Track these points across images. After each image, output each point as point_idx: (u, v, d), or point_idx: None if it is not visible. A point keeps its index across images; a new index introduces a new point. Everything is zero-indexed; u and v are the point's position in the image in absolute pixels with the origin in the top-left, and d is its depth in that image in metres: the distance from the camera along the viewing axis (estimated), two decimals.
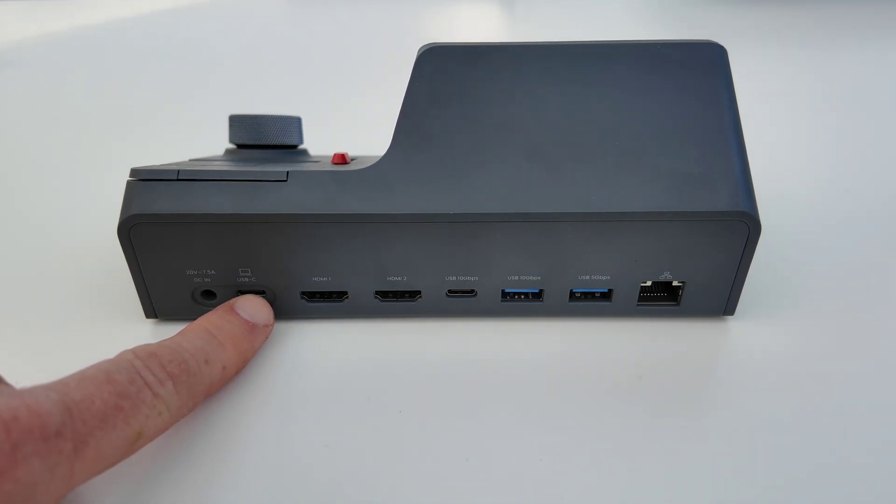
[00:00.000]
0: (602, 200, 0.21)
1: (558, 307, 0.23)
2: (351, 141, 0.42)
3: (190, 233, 0.21)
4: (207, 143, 0.41)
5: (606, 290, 0.23)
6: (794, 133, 0.49)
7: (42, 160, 0.45)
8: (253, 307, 0.21)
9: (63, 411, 0.13)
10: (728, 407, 0.19)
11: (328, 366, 0.21)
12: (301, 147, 0.30)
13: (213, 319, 0.20)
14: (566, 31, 0.89)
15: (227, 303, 0.21)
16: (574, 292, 0.23)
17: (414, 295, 0.23)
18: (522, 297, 0.23)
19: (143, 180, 0.21)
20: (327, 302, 0.23)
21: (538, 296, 0.23)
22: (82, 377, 0.14)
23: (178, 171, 0.21)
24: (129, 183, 0.21)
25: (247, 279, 0.22)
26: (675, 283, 0.23)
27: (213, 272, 0.22)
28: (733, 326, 0.23)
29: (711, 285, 0.22)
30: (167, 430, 0.16)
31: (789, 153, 0.44)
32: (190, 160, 0.27)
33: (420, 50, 0.21)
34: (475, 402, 0.19)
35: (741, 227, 0.21)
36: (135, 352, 0.16)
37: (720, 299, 0.23)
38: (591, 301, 0.23)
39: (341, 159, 0.25)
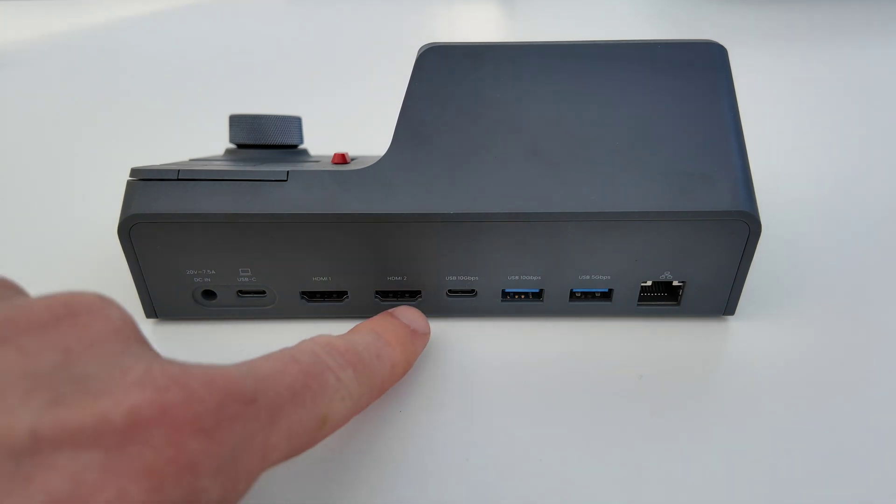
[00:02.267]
0: (602, 200, 0.21)
1: (558, 307, 0.23)
2: (351, 141, 0.42)
3: (190, 233, 0.21)
4: (207, 143, 0.41)
5: (607, 290, 0.23)
6: (795, 133, 0.49)
7: (42, 160, 0.45)
8: (412, 315, 0.21)
9: (254, 381, 0.12)
10: (728, 407, 0.19)
11: None
12: (301, 147, 0.30)
13: (377, 321, 0.20)
14: (566, 31, 0.89)
15: (385, 311, 0.21)
16: (574, 292, 0.23)
17: (414, 295, 0.23)
18: (522, 297, 0.23)
19: (143, 180, 0.21)
20: (327, 302, 0.23)
21: (538, 296, 0.23)
22: (266, 357, 0.14)
23: (178, 171, 0.21)
24: (129, 183, 0.21)
25: (247, 279, 0.22)
26: (675, 283, 0.23)
27: (213, 272, 0.22)
28: (733, 326, 0.23)
29: (712, 285, 0.22)
30: (348, 420, 0.15)
31: (789, 153, 0.44)
32: (190, 160, 0.27)
33: (420, 50, 0.21)
34: (475, 401, 0.19)
35: (741, 227, 0.21)
36: (313, 340, 0.16)
37: (720, 299, 0.23)
38: (592, 301, 0.23)
39: (341, 159, 0.25)
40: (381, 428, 0.18)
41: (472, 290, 0.23)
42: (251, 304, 0.23)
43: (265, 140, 0.28)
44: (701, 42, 0.21)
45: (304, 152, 0.30)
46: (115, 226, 0.21)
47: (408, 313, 0.21)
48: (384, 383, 0.18)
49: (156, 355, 0.12)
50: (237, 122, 0.28)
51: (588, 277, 0.22)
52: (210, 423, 0.11)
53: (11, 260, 0.30)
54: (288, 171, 0.21)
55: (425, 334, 0.21)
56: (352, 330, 0.19)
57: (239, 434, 0.11)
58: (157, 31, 0.97)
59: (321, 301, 0.23)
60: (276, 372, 0.13)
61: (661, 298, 0.23)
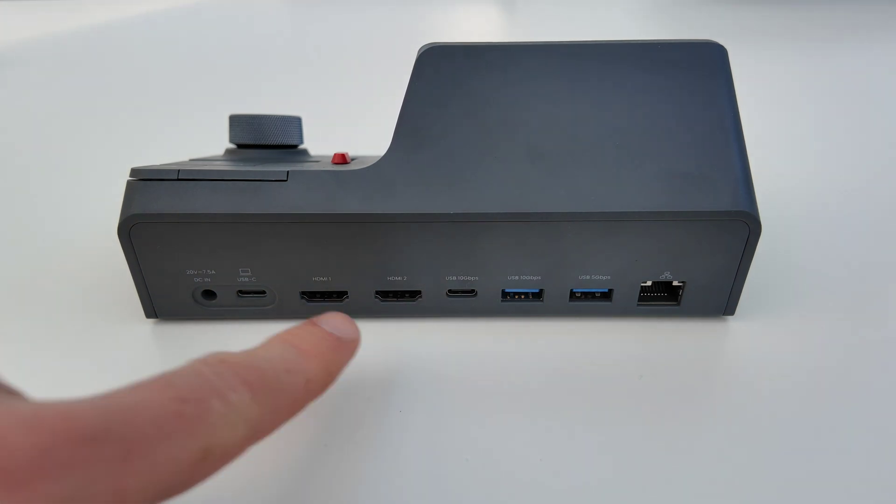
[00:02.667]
0: (602, 200, 0.21)
1: (558, 307, 0.23)
2: (351, 141, 0.42)
3: (190, 233, 0.21)
4: (207, 143, 0.42)
5: (607, 290, 0.23)
6: (795, 133, 0.49)
7: (42, 160, 0.45)
8: (336, 321, 0.18)
9: (103, 413, 0.11)
10: (728, 407, 0.19)
11: None
12: (301, 147, 0.30)
13: (293, 331, 0.17)
14: (566, 31, 0.89)
15: (308, 319, 0.18)
16: (574, 292, 0.23)
17: (414, 295, 0.23)
18: (522, 297, 0.23)
19: (144, 180, 0.21)
20: (327, 302, 0.23)
21: (538, 296, 0.23)
22: (137, 383, 0.12)
23: (179, 171, 0.21)
24: (129, 183, 0.21)
25: (247, 279, 0.22)
26: (675, 283, 0.23)
27: (213, 272, 0.22)
28: (733, 326, 0.23)
29: (712, 285, 0.22)
30: (246, 448, 0.13)
31: (789, 153, 0.44)
32: (190, 160, 0.27)
33: (420, 50, 0.21)
34: (475, 401, 0.19)
35: (741, 227, 0.21)
36: (202, 358, 0.14)
37: (720, 299, 0.23)
38: (592, 301, 0.23)
39: (341, 159, 0.25)
40: (380, 428, 0.18)
41: (472, 290, 0.23)
42: (251, 304, 0.23)
43: (265, 140, 0.28)
44: (701, 42, 0.21)
45: (304, 152, 0.30)
46: (115, 226, 0.21)
47: (333, 319, 0.18)
48: (297, 401, 0.15)
49: None
50: (237, 122, 0.28)
51: (588, 277, 0.22)
52: (27, 475, 0.09)
53: (12, 260, 0.30)
54: (288, 171, 0.21)
55: (353, 341, 0.18)
56: (262, 342, 0.16)
57: (74, 482, 0.10)
58: (157, 31, 0.97)
59: (321, 301, 0.23)
60: (140, 401, 0.11)
61: (661, 298, 0.23)
